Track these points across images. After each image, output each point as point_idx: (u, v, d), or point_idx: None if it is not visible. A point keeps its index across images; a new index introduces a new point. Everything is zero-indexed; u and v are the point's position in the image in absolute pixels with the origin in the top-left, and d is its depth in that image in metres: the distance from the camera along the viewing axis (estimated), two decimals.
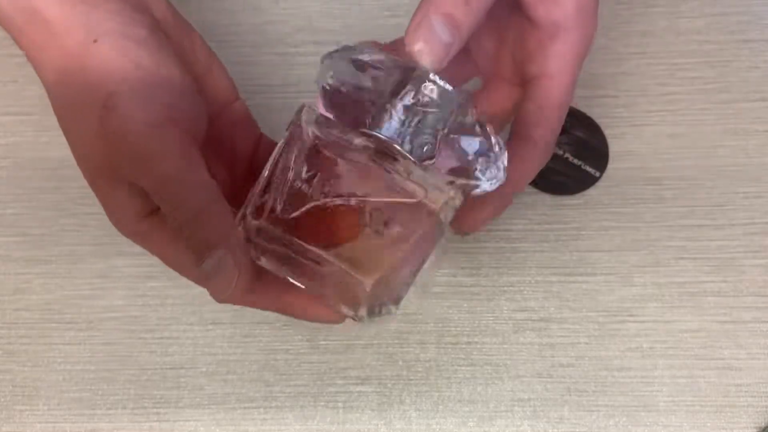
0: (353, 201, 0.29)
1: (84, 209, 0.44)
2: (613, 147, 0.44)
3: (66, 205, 0.44)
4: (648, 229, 0.43)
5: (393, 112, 0.29)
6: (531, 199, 0.43)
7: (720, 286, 0.42)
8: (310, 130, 0.30)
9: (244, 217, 0.31)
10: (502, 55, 0.37)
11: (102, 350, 0.42)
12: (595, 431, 0.40)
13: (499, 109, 0.37)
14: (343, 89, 0.30)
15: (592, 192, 0.44)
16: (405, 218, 0.29)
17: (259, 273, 0.31)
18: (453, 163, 0.30)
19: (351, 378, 0.42)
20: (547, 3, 0.33)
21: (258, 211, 0.30)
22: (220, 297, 0.31)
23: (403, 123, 0.29)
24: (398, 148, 0.29)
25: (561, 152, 0.44)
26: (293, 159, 0.30)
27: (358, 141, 0.29)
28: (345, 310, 0.31)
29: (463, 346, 0.42)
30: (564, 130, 0.37)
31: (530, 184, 0.41)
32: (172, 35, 0.34)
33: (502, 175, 0.30)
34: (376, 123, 0.29)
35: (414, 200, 0.29)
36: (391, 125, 0.29)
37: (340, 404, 0.41)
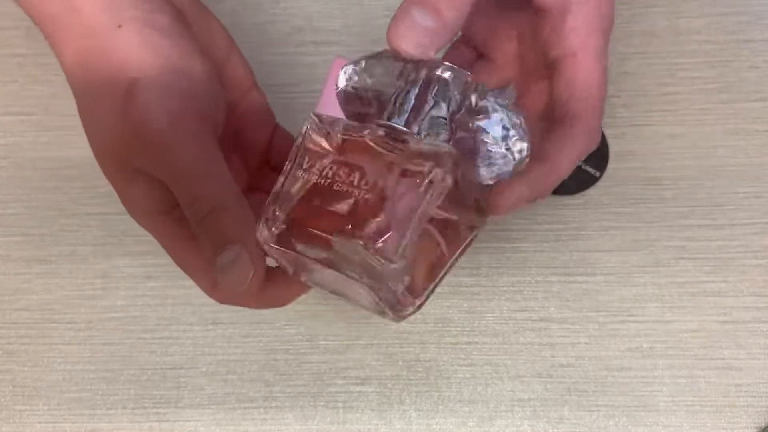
0: (353, 177, 0.28)
1: (84, 209, 0.44)
2: (614, 147, 0.44)
3: (66, 205, 0.44)
4: (648, 229, 0.43)
5: (406, 101, 0.29)
6: None
7: (720, 286, 0.42)
8: (310, 131, 0.30)
9: (266, 222, 0.30)
10: (525, 53, 0.36)
11: (102, 350, 0.42)
12: (595, 431, 0.40)
13: (537, 104, 0.36)
14: (360, 89, 0.30)
15: (592, 192, 0.44)
16: (402, 190, 0.29)
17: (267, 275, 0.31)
18: (469, 145, 0.30)
19: (351, 378, 0.42)
20: None
21: (269, 221, 0.30)
22: (230, 294, 0.31)
23: (417, 111, 0.29)
24: (407, 130, 0.29)
25: None
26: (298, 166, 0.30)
27: (367, 131, 0.29)
28: (373, 301, 0.30)
29: (463, 346, 0.42)
30: None
31: None
32: (192, 23, 0.34)
33: (525, 149, 0.30)
34: (391, 114, 0.29)
35: (417, 169, 0.28)
36: (404, 114, 0.29)
37: (340, 404, 0.41)
